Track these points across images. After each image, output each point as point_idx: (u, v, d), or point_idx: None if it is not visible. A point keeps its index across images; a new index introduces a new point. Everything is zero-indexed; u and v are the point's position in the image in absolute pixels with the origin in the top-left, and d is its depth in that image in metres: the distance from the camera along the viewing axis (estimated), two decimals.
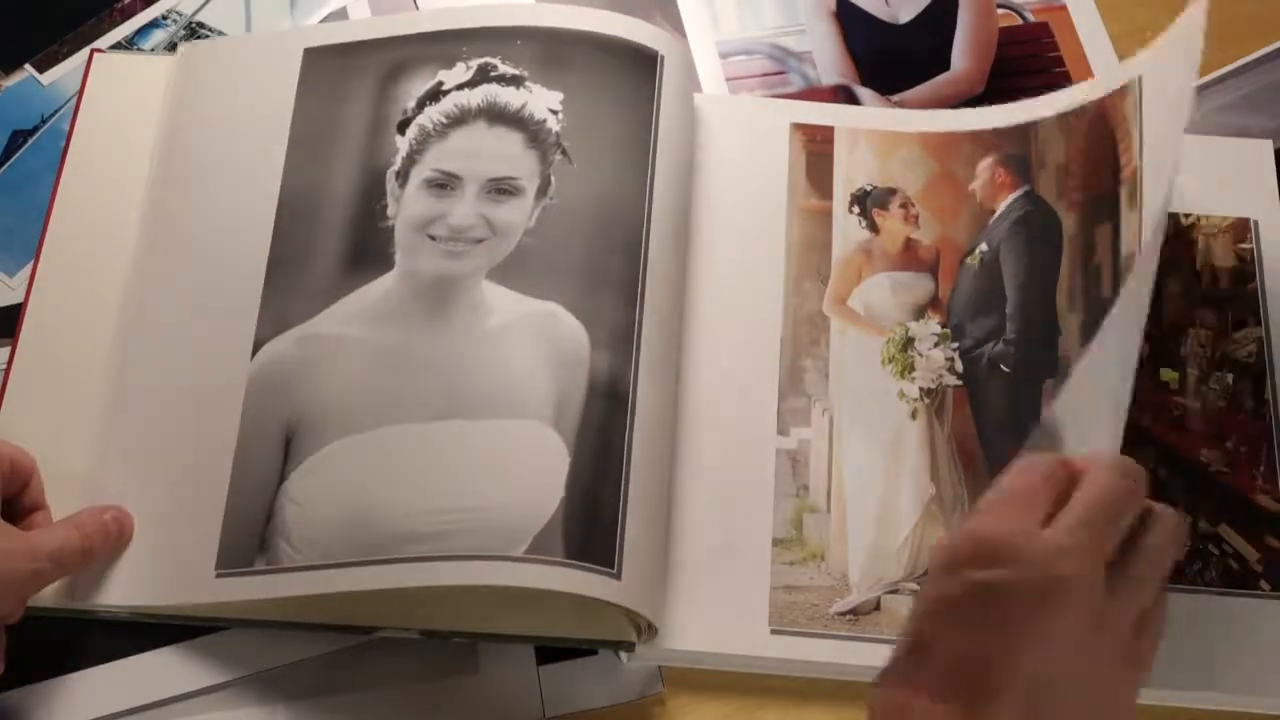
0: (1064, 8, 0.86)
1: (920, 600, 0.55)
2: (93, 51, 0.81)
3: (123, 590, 0.67)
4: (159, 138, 0.76)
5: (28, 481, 0.67)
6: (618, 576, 0.63)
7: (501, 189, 0.70)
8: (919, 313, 0.73)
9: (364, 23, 0.81)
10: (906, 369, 0.71)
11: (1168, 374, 0.74)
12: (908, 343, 0.72)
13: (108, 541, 0.66)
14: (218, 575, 0.65)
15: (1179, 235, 0.77)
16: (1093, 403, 0.58)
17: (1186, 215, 0.78)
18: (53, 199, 0.76)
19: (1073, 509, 0.52)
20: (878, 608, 0.68)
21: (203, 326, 0.71)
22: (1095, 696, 0.52)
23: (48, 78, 0.82)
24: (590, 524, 0.64)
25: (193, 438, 0.69)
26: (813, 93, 0.83)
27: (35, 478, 0.67)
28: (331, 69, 0.75)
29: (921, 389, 0.71)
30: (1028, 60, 0.85)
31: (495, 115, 0.72)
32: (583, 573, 0.63)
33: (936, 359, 0.71)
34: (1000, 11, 0.86)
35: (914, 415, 0.71)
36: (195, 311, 0.71)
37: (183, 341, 0.71)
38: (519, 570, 0.62)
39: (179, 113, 0.76)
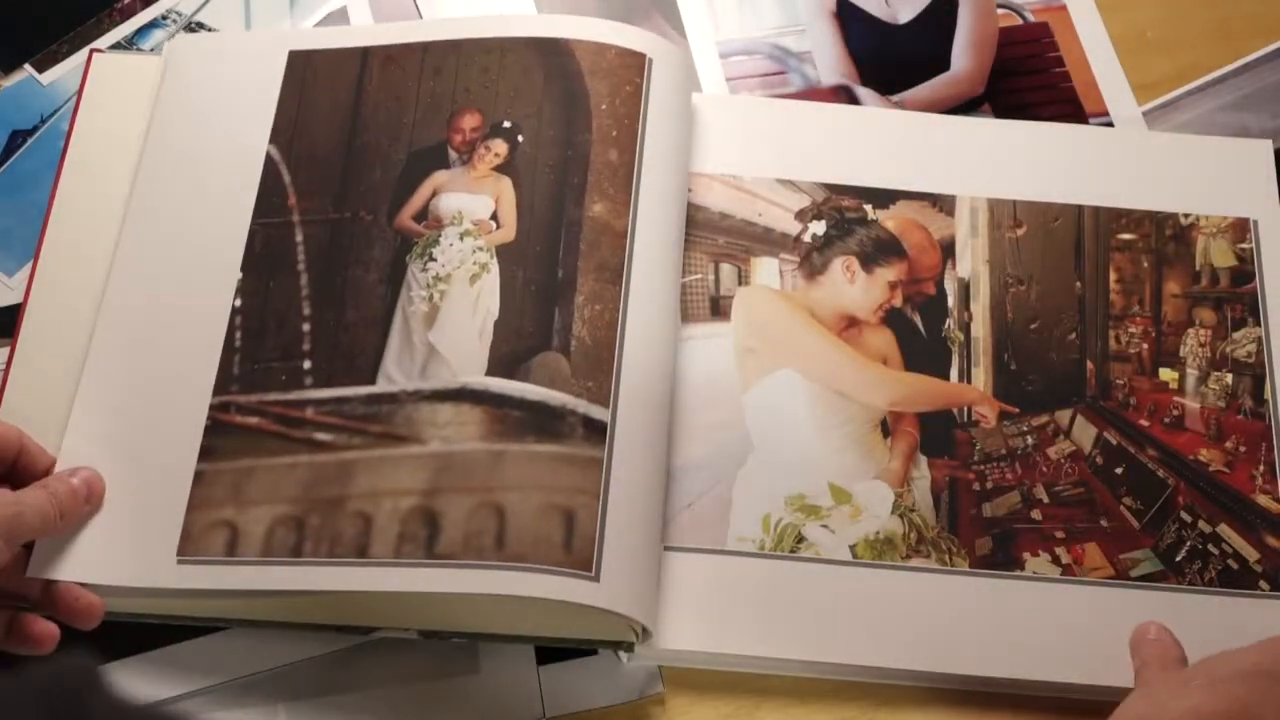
0: (1064, 8, 0.86)
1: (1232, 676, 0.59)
2: (92, 51, 0.81)
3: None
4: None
5: (16, 452, 0.66)
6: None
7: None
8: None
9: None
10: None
11: (1167, 374, 0.74)
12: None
13: (77, 503, 0.65)
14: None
15: (1179, 236, 0.77)
16: None
17: (1186, 215, 0.78)
18: (52, 199, 0.76)
19: None
20: None
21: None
22: None
23: (47, 78, 0.83)
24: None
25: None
26: (813, 93, 0.83)
27: (26, 442, 0.67)
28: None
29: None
30: (1028, 60, 0.85)
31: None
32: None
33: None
34: (1000, 11, 0.86)
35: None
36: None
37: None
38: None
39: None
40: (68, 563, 0.65)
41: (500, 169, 0.74)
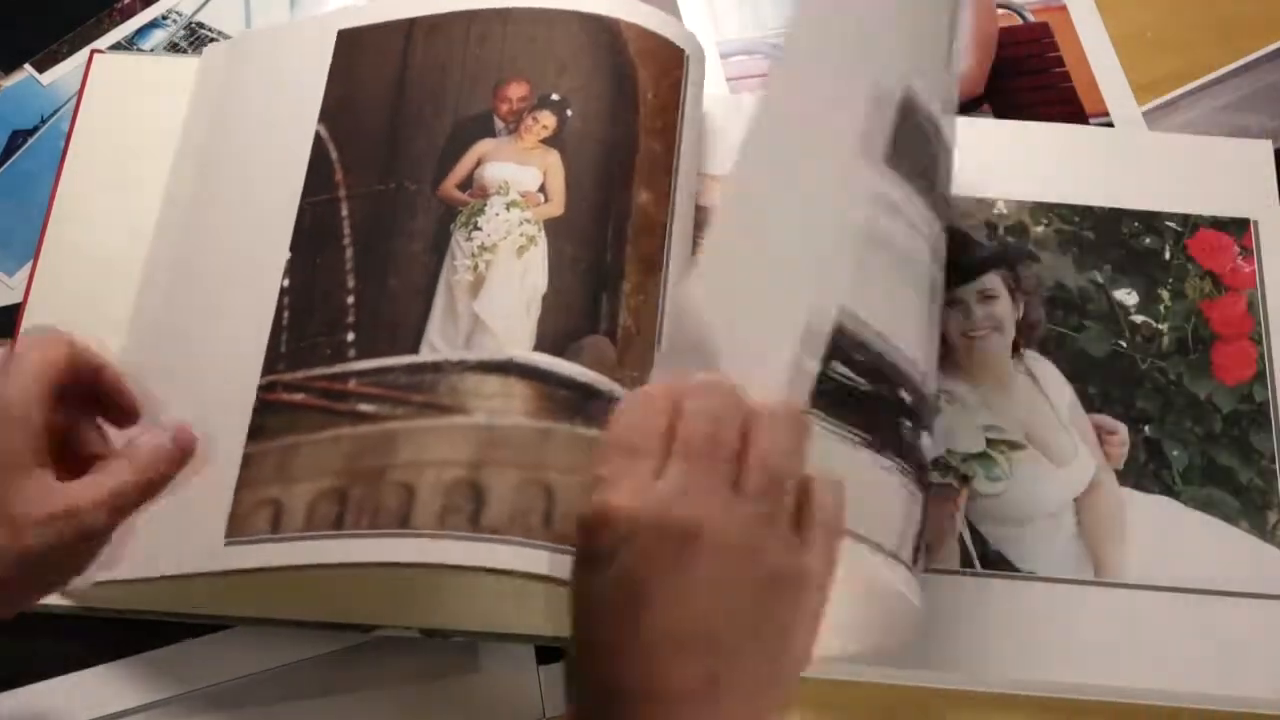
0: (1064, 8, 0.86)
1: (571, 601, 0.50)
2: (92, 52, 0.82)
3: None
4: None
5: (92, 377, 0.58)
6: None
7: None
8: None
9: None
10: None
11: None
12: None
13: (171, 465, 0.58)
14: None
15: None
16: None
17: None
18: (52, 199, 0.76)
19: (676, 449, 0.49)
20: None
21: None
22: (759, 631, 0.48)
23: (48, 78, 0.83)
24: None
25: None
26: None
27: (107, 372, 0.59)
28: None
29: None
30: (1028, 60, 0.85)
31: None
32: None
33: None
34: (1000, 11, 0.86)
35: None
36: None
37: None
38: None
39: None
40: (120, 560, 0.64)
41: (547, 141, 0.72)
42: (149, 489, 0.57)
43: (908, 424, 0.59)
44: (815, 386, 0.55)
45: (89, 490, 0.55)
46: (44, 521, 0.53)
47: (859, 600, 0.62)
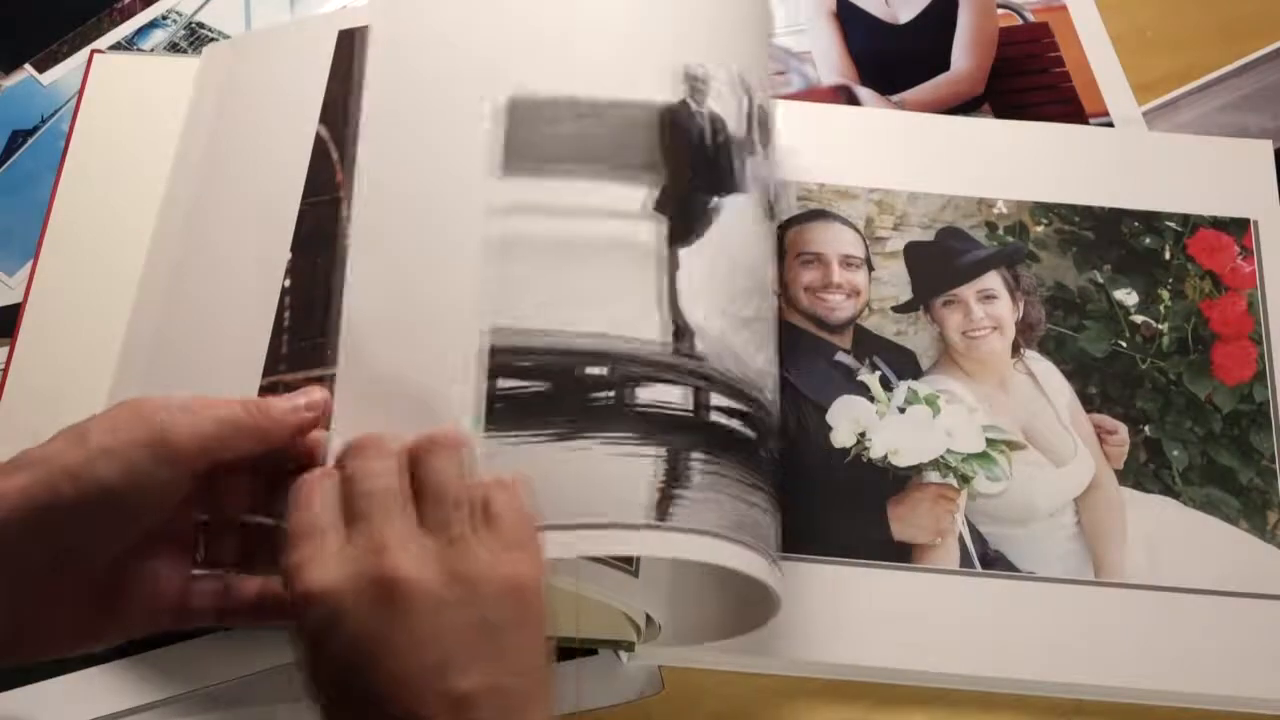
0: (1064, 8, 0.86)
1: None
2: (93, 52, 0.82)
3: None
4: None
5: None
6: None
7: None
8: None
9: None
10: None
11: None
12: None
13: (291, 415, 0.57)
14: None
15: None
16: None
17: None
18: (52, 199, 0.76)
19: (352, 514, 0.51)
20: None
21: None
22: (495, 643, 0.50)
23: (48, 78, 0.83)
24: None
25: None
26: (813, 93, 0.84)
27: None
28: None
29: None
30: (1028, 60, 0.85)
31: None
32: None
33: None
34: (1000, 11, 0.86)
35: None
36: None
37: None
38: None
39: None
40: None
41: None
42: (250, 432, 0.56)
43: (607, 395, 0.59)
44: (488, 408, 0.58)
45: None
46: (116, 417, 0.55)
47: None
